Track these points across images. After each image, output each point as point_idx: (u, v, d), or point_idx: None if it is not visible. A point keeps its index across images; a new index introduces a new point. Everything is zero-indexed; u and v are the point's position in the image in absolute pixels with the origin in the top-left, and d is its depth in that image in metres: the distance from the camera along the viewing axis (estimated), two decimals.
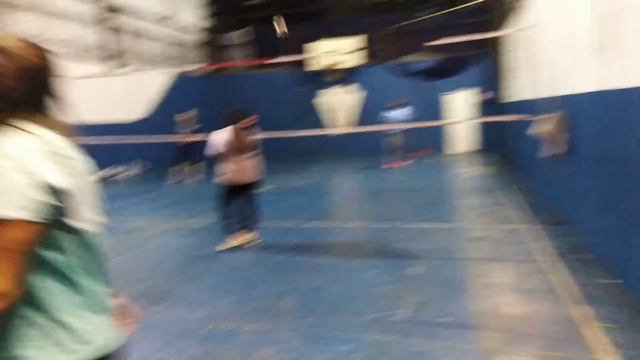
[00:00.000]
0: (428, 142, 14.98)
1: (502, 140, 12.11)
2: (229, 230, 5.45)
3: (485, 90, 14.50)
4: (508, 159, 11.14)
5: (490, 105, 14.28)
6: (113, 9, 12.74)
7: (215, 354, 3.10)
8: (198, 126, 11.38)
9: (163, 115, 13.87)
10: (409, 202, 8.07)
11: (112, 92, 12.21)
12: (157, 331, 3.45)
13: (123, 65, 12.95)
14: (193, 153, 11.19)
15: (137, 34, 13.83)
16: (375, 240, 5.67)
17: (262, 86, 16.72)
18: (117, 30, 12.94)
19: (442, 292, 3.95)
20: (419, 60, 15.20)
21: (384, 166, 11.98)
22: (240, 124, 5.34)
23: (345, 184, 10.82)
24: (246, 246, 5.41)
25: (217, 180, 5.44)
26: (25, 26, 10.22)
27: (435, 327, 3.34)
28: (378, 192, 9.08)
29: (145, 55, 14.20)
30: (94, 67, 11.96)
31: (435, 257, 4.88)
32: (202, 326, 3.49)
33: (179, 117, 11.58)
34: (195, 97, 15.79)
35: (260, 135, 6.03)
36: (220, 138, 5.29)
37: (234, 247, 5.35)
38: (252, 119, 5.49)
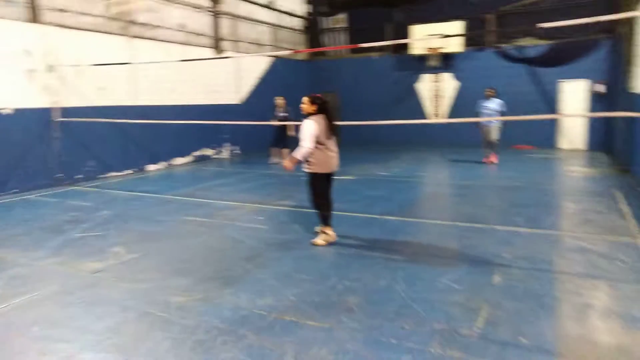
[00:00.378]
0: (533, 135, 13.77)
1: (618, 138, 10.70)
2: (324, 222, 5.23)
3: (599, 80, 12.91)
4: (623, 160, 9.83)
5: (604, 98, 12.71)
6: None
7: (272, 346, 3.07)
8: (285, 114, 11.55)
9: (261, 99, 14.33)
10: (502, 201, 7.46)
11: (217, 75, 12.83)
12: (220, 315, 3.51)
13: (228, 49, 13.52)
14: (287, 137, 11.47)
15: (242, 19, 14.32)
16: (457, 241, 5.29)
17: (361, 71, 16.50)
18: (223, 15, 13.50)
19: (525, 307, 3.55)
20: (531, 45, 13.92)
21: (483, 160, 11.18)
22: (327, 112, 5.10)
23: (434, 177, 10.33)
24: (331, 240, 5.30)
25: (305, 169, 5.14)
26: (141, 12, 11.05)
27: (510, 347, 3.00)
28: (469, 188, 8.52)
29: (248, 39, 14.68)
30: (203, 51, 12.65)
31: (523, 267, 4.42)
32: (264, 316, 3.50)
33: (279, 100, 11.82)
34: (294, 81, 16.08)
35: (352, 123, 5.87)
36: (309, 127, 4.96)
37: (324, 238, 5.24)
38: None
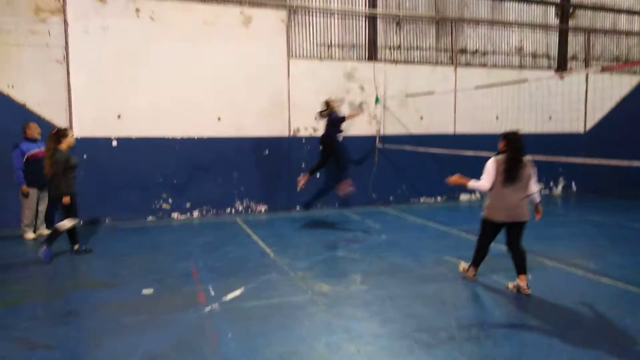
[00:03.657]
0: None
1: None
2: (473, 261, 5.01)
3: None
4: None
5: None
6: (575, 8, 11.57)
7: None
8: None
9: (616, 128, 11.64)
10: None
11: (556, 100, 11.19)
12: None
13: (577, 70, 11.63)
14: None
15: (601, 32, 12.01)
16: None
17: None
18: (574, 30, 11.71)
19: None
20: None
21: None
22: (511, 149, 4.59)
23: None
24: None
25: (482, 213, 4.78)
26: (474, 40, 10.91)
27: None
28: None
29: (609, 56, 12.18)
30: (540, 74, 11.33)
31: None
32: None
33: None
34: None
35: None
36: (489, 165, 4.68)
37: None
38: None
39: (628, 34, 12.37)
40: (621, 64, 12.15)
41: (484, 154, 8.32)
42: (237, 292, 4.70)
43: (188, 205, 8.92)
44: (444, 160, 10.52)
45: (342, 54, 9.91)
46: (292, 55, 9.40)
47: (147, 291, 4.78)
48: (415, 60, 10.49)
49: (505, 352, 3.39)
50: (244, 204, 9.33)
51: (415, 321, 3.96)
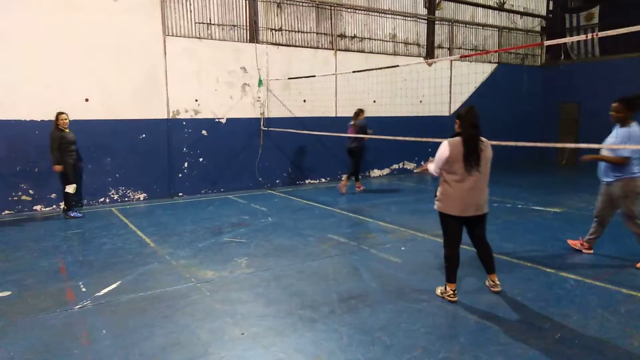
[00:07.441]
0: None
1: None
2: (446, 275, 4.06)
3: None
4: None
5: None
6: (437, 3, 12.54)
7: None
8: None
9: (478, 109, 12.93)
10: None
11: (425, 85, 12.11)
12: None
13: (442, 58, 12.67)
14: None
15: (461, 24, 13.22)
16: None
17: (613, 77, 13.15)
18: (439, 21, 12.71)
19: None
20: None
21: None
22: (467, 129, 3.88)
23: None
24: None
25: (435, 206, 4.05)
26: (352, 25, 11.28)
27: None
28: None
29: (468, 46, 13.46)
30: (411, 61, 12.14)
31: None
32: None
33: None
34: (523, 90, 14.07)
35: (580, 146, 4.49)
36: (441, 148, 3.91)
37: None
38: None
39: (484, 26, 13.80)
40: (478, 52, 13.56)
41: (364, 137, 8.80)
42: (113, 286, 4.40)
43: (53, 196, 8.06)
44: (328, 142, 10.87)
45: (223, 34, 9.62)
46: (168, 32, 8.87)
47: (3, 294, 4.25)
48: (297, 43, 10.59)
49: (381, 319, 3.64)
50: (120, 192, 8.70)
51: (299, 299, 4.07)
